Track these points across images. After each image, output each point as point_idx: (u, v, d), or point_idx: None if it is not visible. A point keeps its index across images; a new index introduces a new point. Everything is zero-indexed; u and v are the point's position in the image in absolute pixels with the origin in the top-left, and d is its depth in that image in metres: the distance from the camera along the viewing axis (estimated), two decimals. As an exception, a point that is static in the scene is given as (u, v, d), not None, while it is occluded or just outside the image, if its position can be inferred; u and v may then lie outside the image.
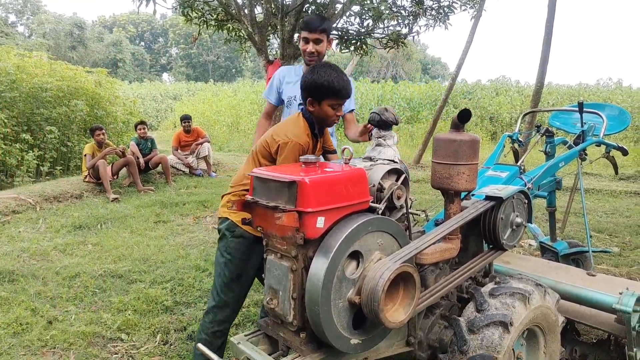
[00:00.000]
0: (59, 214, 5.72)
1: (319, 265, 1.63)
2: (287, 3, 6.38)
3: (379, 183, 1.91)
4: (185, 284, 3.67)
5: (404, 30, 6.84)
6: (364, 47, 7.55)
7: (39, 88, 8.41)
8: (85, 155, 6.99)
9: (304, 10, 5.91)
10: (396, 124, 2.46)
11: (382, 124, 2.42)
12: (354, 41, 7.44)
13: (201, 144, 8.67)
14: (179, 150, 8.60)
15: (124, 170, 7.50)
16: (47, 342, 2.80)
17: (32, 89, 8.37)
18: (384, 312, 1.63)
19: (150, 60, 53.06)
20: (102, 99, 10.00)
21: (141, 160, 7.63)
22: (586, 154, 3.25)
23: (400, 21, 6.65)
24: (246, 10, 5.78)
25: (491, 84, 19.86)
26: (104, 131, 7.15)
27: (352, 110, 2.83)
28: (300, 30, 2.76)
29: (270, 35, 7.33)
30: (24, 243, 4.55)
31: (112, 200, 6.44)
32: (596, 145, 3.10)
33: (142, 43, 57.63)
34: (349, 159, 1.90)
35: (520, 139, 3.36)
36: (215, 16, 7.27)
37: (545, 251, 3.45)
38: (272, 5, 5.65)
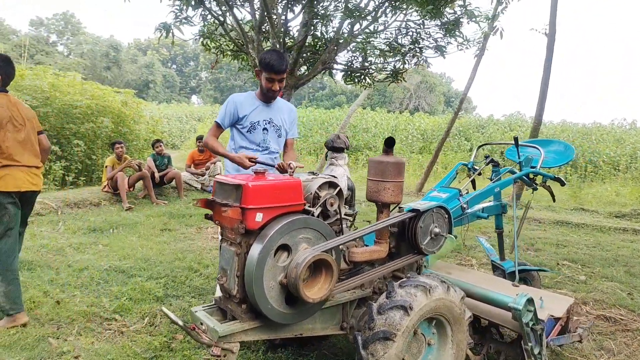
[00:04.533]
0: (77, 218, 6.35)
1: (255, 250, 2.12)
2: (293, 36, 7.05)
3: (316, 192, 2.40)
4: (177, 281, 4.18)
5: (400, 66, 7.40)
6: (368, 79, 8.14)
7: (70, 105, 9.24)
8: (106, 166, 7.69)
9: (305, 44, 6.55)
10: (347, 149, 2.99)
11: (335, 147, 2.96)
12: (357, 74, 8.03)
13: (214, 163, 9.31)
14: (192, 168, 9.25)
15: (140, 183, 8.16)
16: (53, 317, 3.33)
17: (64, 106, 9.20)
18: (303, 289, 2.10)
19: (180, 82, 55.08)
20: (127, 117, 10.83)
21: (156, 174, 8.29)
22: (536, 184, 3.68)
23: (397, 59, 7.22)
24: (255, 44, 6.44)
25: (505, 119, 20.18)
26: (123, 145, 7.86)
27: (294, 137, 3.28)
28: (264, 69, 2.98)
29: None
30: (44, 240, 5.16)
31: (126, 209, 7.06)
32: (533, 175, 3.52)
33: (174, 66, 59.90)
34: (293, 172, 2.41)
35: (475, 167, 3.81)
36: (231, 47, 7.99)
37: (496, 269, 3.85)
38: (277, 43, 6.29)
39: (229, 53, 8.07)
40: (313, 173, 2.56)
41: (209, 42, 7.80)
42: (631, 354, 3.34)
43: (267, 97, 3.12)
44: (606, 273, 5.29)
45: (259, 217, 2.14)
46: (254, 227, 2.14)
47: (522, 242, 6.61)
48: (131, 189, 8.04)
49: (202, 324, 2.22)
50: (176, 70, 58.38)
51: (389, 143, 2.51)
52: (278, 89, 3.04)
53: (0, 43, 25.56)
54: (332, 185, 2.49)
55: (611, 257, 6.03)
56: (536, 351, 2.55)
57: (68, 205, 6.86)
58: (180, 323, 2.07)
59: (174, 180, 8.59)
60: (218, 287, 3.25)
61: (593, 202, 10.77)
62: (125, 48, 51.97)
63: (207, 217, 2.39)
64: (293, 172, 2.40)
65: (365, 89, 8.78)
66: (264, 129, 3.12)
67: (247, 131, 3.11)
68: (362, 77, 8.05)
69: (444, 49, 6.96)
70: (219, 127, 3.17)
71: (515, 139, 3.45)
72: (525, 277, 3.84)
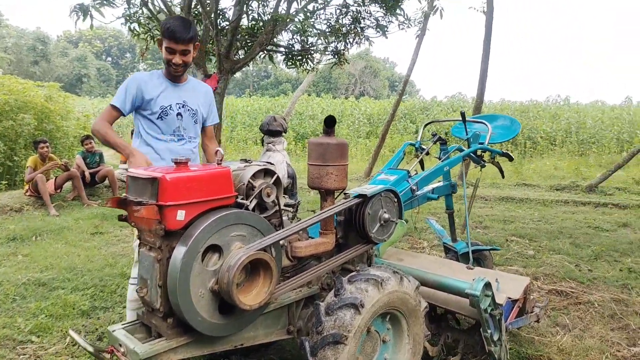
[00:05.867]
0: (-6, 227, 5.69)
1: (178, 254, 1.80)
2: (228, 17, 6.61)
3: (249, 181, 2.10)
4: (107, 290, 3.76)
5: (342, 48, 7.15)
6: (310, 63, 7.83)
7: (-17, 102, 8.35)
8: (27, 167, 6.96)
9: (240, 26, 6.15)
10: (284, 132, 2.69)
11: (271, 131, 2.66)
12: (298, 57, 7.69)
13: (151, 157, 8.73)
14: (127, 164, 8.63)
15: (69, 184, 7.49)
16: (-46, 346, 2.85)
17: (-24, 103, 8.30)
18: (238, 295, 1.80)
19: (117, 75, 52.43)
20: (52, 113, 9.95)
21: (87, 173, 7.63)
22: (484, 161, 3.55)
23: (338, 39, 6.96)
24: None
25: (448, 101, 20.56)
26: (47, 144, 7.15)
27: (215, 123, 2.82)
28: (164, 37, 2.49)
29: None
30: (-49, 255, 4.55)
31: (51, 215, 6.42)
32: (482, 152, 3.38)
33: (109, 58, 56.99)
34: (221, 160, 2.09)
35: (422, 146, 3.63)
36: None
37: (448, 251, 3.71)
38: (210, 25, 5.84)
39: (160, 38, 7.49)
40: (246, 160, 2.26)
41: (136, 27, 7.19)
42: (585, 328, 3.30)
43: (171, 75, 2.61)
44: (553, 246, 5.34)
45: (181, 215, 1.82)
46: (175, 227, 1.81)
47: (471, 220, 6.61)
48: (59, 191, 7.36)
49: (120, 345, 1.88)
50: (112, 63, 55.57)
51: (329, 122, 2.24)
52: (181, 62, 2.52)
53: None
54: (268, 173, 2.20)
55: (556, 229, 6.13)
56: (495, 337, 2.40)
57: (-16, 213, 6.15)
58: (90, 349, 1.73)
59: (107, 178, 7.96)
60: (133, 295, 2.84)
61: (534, 176, 11.09)
62: (55, 41, 48.82)
63: (120, 218, 2.03)
64: (221, 160, 2.08)
65: (307, 73, 8.48)
66: (178, 114, 2.65)
67: (158, 118, 2.61)
68: (304, 60, 7.73)
69: (386, 28, 6.77)
70: (116, 111, 2.58)
71: (462, 114, 3.29)
72: (477, 257, 3.72)
